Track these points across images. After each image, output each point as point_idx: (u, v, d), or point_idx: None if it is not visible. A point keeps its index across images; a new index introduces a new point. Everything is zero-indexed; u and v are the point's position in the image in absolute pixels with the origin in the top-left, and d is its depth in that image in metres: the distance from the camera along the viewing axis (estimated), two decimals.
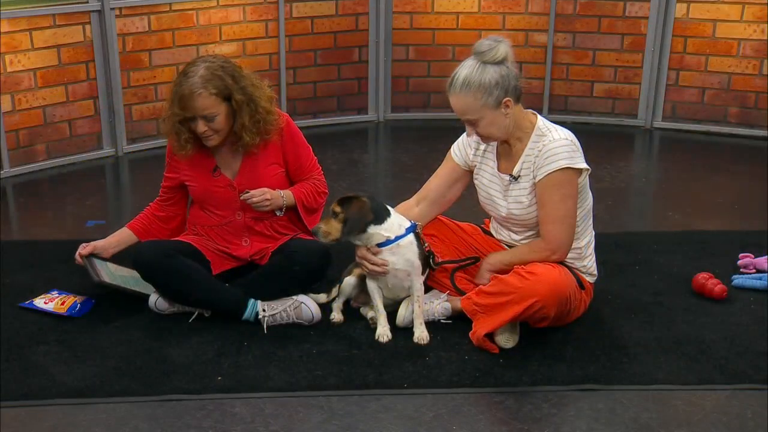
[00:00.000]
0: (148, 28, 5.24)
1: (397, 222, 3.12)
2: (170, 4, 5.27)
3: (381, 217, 3.09)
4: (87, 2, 5.02)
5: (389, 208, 3.15)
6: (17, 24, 4.80)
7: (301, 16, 5.72)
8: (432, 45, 5.98)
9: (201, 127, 3.14)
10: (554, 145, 2.99)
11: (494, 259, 3.19)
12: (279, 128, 3.27)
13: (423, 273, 3.17)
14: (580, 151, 3.04)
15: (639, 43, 5.77)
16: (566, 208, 3.03)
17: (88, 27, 5.04)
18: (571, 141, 3.02)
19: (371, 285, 3.18)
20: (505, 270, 3.10)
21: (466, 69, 2.96)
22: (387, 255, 3.11)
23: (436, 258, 3.18)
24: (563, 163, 2.97)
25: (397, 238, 3.10)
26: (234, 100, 3.14)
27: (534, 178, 3.03)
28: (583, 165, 3.02)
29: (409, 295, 3.19)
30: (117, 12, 5.09)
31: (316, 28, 5.80)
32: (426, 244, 3.16)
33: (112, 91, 5.19)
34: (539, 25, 5.86)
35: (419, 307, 3.15)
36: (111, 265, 3.44)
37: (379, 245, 3.10)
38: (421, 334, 3.12)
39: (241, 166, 3.29)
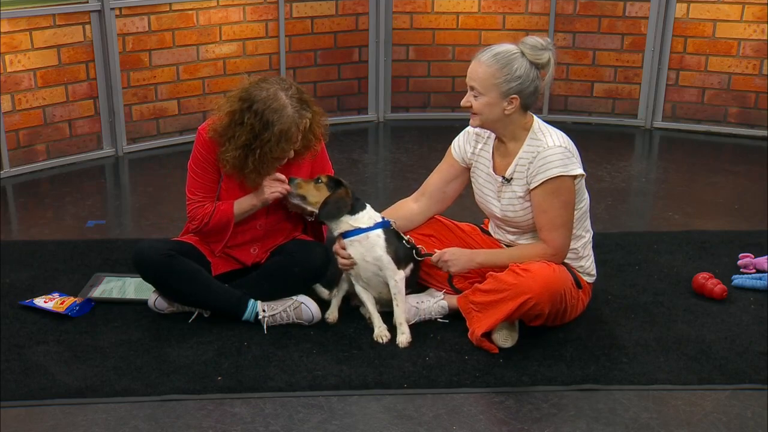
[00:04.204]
0: (148, 28, 5.23)
1: (367, 216, 3.16)
2: (170, 4, 5.27)
3: (355, 209, 3.15)
4: (87, 2, 5.02)
5: (366, 204, 3.20)
6: (17, 24, 4.79)
7: (301, 16, 5.72)
8: (432, 45, 5.98)
9: (293, 153, 3.17)
10: (548, 152, 2.98)
11: (483, 259, 3.12)
12: (315, 145, 3.27)
13: (404, 268, 3.16)
14: (576, 156, 3.04)
15: (639, 43, 5.77)
16: (567, 215, 3.03)
17: (88, 27, 5.04)
18: (565, 147, 3.00)
19: (357, 288, 3.21)
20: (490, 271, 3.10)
21: (504, 48, 2.98)
22: (350, 248, 3.14)
23: (421, 251, 3.17)
24: (556, 171, 2.97)
25: (363, 230, 3.13)
26: (312, 115, 3.15)
27: (528, 184, 3.03)
28: (577, 171, 3.00)
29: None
30: (117, 12, 5.09)
31: (316, 28, 5.80)
32: (407, 238, 3.17)
33: (112, 91, 5.19)
34: (539, 25, 5.86)
35: (397, 306, 3.13)
36: (127, 281, 3.48)
37: (344, 235, 3.14)
38: (400, 337, 3.09)
39: None
